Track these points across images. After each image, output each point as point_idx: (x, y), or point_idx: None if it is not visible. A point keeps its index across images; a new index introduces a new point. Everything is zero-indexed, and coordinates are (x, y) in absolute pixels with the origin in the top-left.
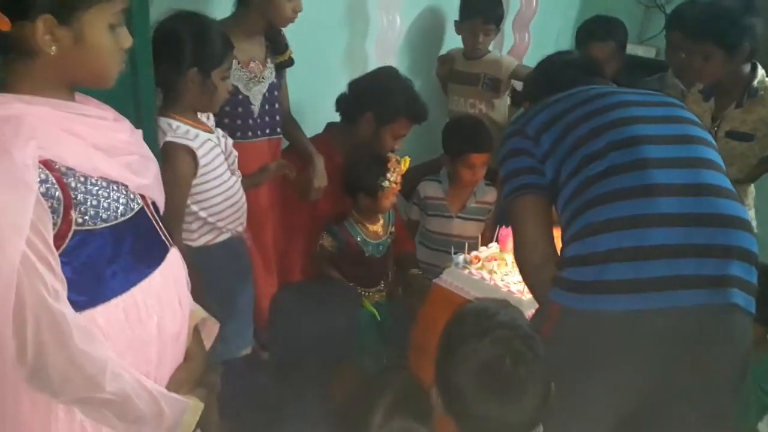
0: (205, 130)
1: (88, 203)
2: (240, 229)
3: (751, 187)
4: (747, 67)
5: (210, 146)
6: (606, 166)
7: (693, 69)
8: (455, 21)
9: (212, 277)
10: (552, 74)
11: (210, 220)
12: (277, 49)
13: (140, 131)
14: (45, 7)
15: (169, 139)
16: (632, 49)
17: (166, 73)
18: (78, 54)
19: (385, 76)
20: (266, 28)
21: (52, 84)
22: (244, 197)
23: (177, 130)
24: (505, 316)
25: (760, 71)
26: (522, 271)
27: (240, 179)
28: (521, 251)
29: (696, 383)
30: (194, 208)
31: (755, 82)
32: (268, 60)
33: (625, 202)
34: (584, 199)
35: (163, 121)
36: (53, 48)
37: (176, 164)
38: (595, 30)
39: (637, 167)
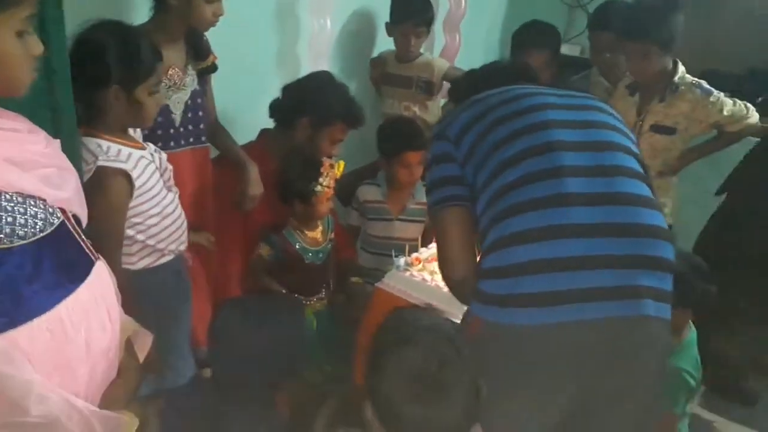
0: (137, 147)
1: (3, 220)
2: (182, 248)
3: (674, 179)
4: (669, 64)
5: (144, 164)
6: (521, 173)
7: (631, 67)
8: (386, 23)
9: (154, 300)
10: (479, 76)
11: (149, 242)
12: (199, 55)
13: (57, 141)
14: None
15: (101, 163)
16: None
17: (88, 90)
18: None
19: (319, 80)
20: (187, 34)
21: None
22: (183, 215)
23: (108, 151)
24: (427, 320)
25: (681, 67)
26: (445, 283)
27: (177, 195)
28: (443, 266)
29: (616, 391)
30: (130, 232)
31: (676, 78)
32: (189, 67)
33: (538, 212)
34: (499, 208)
35: (92, 142)
36: None
37: (111, 190)
38: (531, 37)
39: (551, 175)
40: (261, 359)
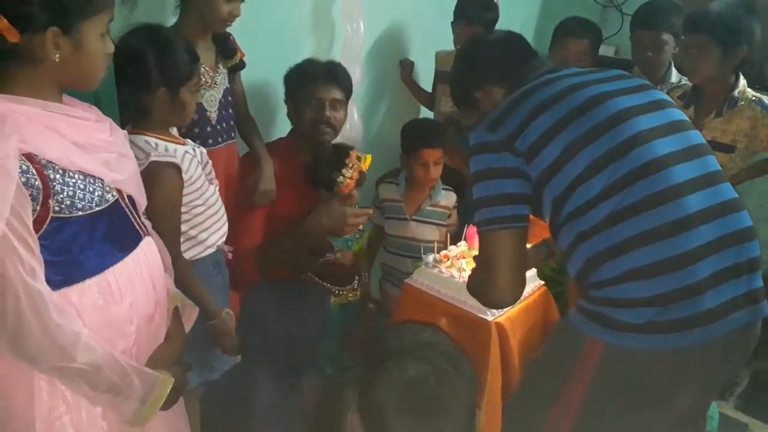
0: (180, 143)
1: (65, 193)
2: (222, 240)
3: None
4: (732, 76)
5: (189, 159)
6: (635, 199)
7: (687, 64)
8: (451, 22)
9: None
10: (511, 49)
11: (192, 233)
12: (227, 54)
13: (123, 132)
14: (52, 20)
15: (154, 158)
16: None
17: (133, 93)
18: (76, 60)
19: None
20: (212, 33)
21: (45, 87)
22: (223, 207)
23: (157, 147)
24: (431, 336)
25: (742, 81)
26: (482, 303)
27: (217, 187)
28: (490, 291)
29: (718, 381)
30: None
31: (736, 92)
32: (219, 65)
33: (668, 240)
34: (619, 239)
35: (140, 140)
36: (57, 56)
37: (166, 183)
38: (572, 27)
39: (669, 197)
40: (285, 340)
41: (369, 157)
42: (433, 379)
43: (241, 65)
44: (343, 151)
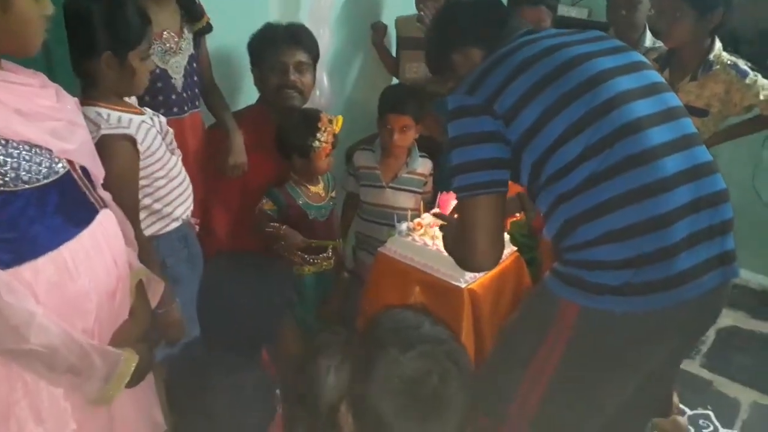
0: (136, 113)
1: (8, 165)
2: (188, 213)
3: None
4: (708, 40)
5: (146, 129)
6: (614, 161)
7: (662, 29)
8: None
9: (163, 267)
10: (489, 11)
11: (156, 206)
12: (193, 16)
13: (74, 99)
14: None
15: (105, 131)
16: (566, 10)
17: (79, 58)
18: (6, 23)
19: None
20: None
21: None
22: (188, 178)
23: (109, 119)
24: (429, 328)
25: (718, 44)
26: (461, 267)
27: (180, 158)
28: (469, 256)
29: (690, 340)
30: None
31: (711, 56)
32: (185, 30)
33: (646, 202)
34: (597, 200)
35: (91, 111)
36: None
37: (119, 156)
38: None
39: (646, 159)
40: (247, 313)
41: (340, 118)
42: (437, 378)
43: (208, 28)
44: (313, 115)
